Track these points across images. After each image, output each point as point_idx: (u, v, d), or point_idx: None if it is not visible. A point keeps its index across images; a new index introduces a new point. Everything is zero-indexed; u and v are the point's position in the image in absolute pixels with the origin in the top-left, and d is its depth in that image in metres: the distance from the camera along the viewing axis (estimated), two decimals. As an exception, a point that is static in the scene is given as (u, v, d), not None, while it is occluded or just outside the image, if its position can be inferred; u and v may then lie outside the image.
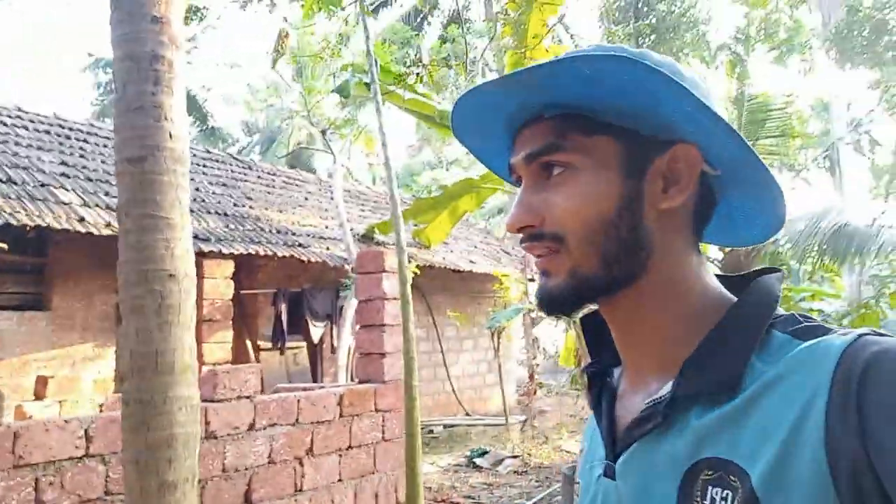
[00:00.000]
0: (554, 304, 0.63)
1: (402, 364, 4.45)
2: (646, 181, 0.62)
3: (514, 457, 6.87)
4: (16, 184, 5.45)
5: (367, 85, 6.60)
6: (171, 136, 2.26)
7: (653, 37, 8.56)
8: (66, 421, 3.07)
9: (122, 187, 2.26)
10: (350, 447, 4.34)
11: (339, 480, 4.24)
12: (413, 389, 4.01)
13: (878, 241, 6.04)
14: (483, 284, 10.07)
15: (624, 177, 0.62)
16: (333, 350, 7.87)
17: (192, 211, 6.77)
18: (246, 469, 3.73)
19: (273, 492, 3.84)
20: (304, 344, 7.53)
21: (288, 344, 7.19)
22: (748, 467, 0.53)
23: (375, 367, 4.70)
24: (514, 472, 6.43)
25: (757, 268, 0.67)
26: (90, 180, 6.20)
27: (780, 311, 0.62)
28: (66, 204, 5.49)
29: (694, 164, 0.63)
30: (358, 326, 4.94)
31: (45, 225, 5.05)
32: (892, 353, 0.51)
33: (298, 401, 4.06)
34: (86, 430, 3.11)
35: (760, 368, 0.57)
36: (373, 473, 4.48)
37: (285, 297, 7.13)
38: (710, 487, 0.55)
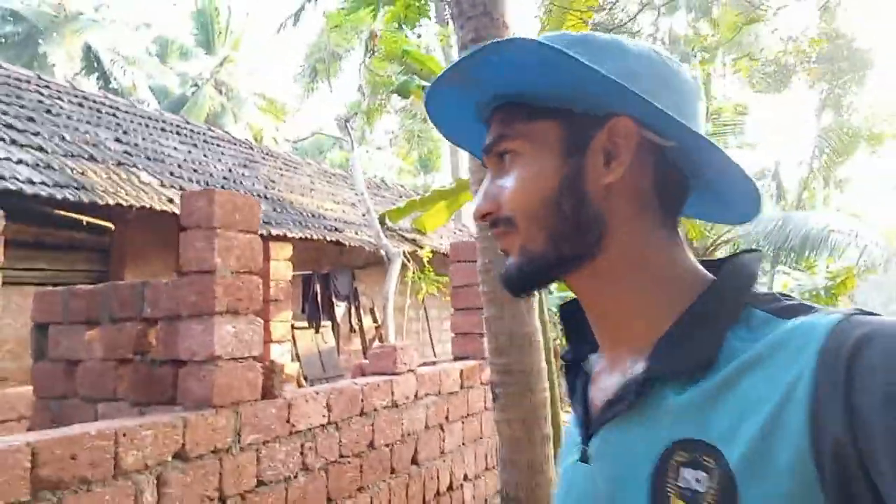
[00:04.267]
0: (512, 282, 0.66)
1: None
2: (587, 158, 0.63)
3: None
4: (98, 162, 5.43)
5: (423, 88, 7.04)
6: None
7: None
8: (316, 392, 3.44)
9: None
10: (468, 415, 4.92)
11: (463, 444, 4.81)
12: (553, 372, 4.65)
13: (830, 243, 7.43)
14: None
15: (564, 156, 0.63)
16: (352, 329, 8.26)
17: (236, 191, 6.90)
18: (413, 434, 4.21)
19: (429, 454, 4.35)
20: (329, 323, 7.86)
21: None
22: (724, 448, 0.52)
23: (475, 346, 5.28)
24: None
25: (739, 251, 0.66)
26: (150, 159, 6.20)
27: (762, 289, 0.61)
28: (145, 184, 5.55)
29: (629, 136, 0.62)
30: (453, 310, 5.48)
31: (148, 206, 5.13)
32: (881, 334, 0.49)
33: (439, 374, 4.58)
34: (327, 401, 3.50)
35: (739, 347, 0.56)
36: (480, 438, 5.08)
37: (319, 279, 7.44)
38: (683, 469, 0.54)
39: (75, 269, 5.65)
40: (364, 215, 8.07)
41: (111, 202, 4.79)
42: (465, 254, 5.39)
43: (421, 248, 8.07)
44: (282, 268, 6.46)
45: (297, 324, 7.55)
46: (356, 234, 7.68)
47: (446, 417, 4.60)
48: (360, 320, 8.29)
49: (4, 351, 5.08)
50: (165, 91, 23.16)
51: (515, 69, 0.62)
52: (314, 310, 7.36)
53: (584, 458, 0.64)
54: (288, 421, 3.23)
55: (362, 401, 3.77)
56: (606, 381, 0.66)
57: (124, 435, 2.46)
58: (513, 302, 2.68)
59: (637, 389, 0.59)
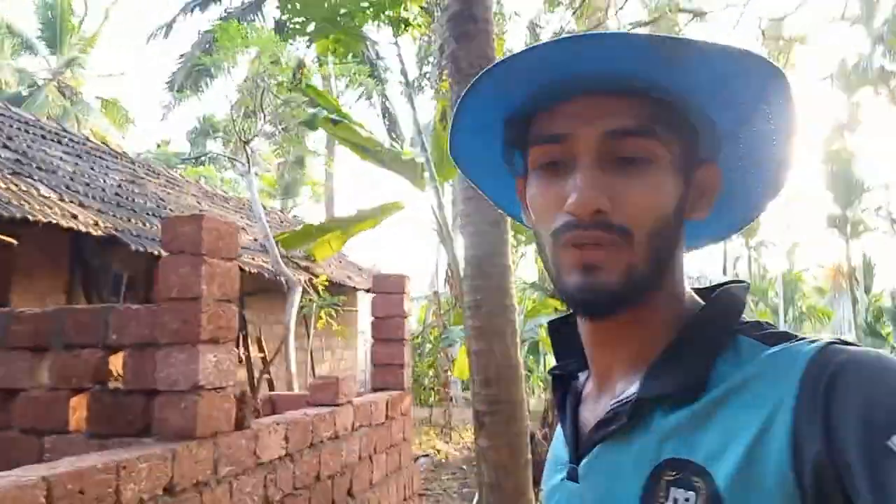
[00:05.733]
0: (605, 302, 0.60)
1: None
2: (690, 189, 0.63)
3: (426, 455, 7.82)
4: (-8, 171, 4.97)
5: (333, 122, 7.11)
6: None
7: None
8: (277, 423, 3.41)
9: (480, 241, 2.99)
10: (391, 446, 5.01)
11: (387, 475, 4.89)
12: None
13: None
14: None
15: (681, 179, 0.62)
16: (239, 359, 7.98)
17: (134, 211, 6.59)
18: (349, 465, 4.25)
19: (361, 486, 4.40)
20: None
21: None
22: (711, 468, 0.54)
23: (395, 376, 5.39)
24: (430, 469, 7.41)
25: (723, 281, 0.68)
26: (41, 170, 5.74)
27: (746, 318, 0.63)
28: (45, 197, 5.15)
29: (717, 186, 0.65)
30: (372, 340, 5.56)
31: (55, 223, 4.79)
32: (859, 361, 0.52)
33: (370, 405, 4.66)
34: (285, 432, 3.48)
35: (727, 372, 0.58)
36: (399, 469, 5.18)
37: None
38: (672, 488, 0.56)
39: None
40: (256, 240, 7.90)
41: (18, 216, 4.42)
42: (388, 286, 5.52)
43: (316, 276, 8.05)
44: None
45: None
46: (252, 259, 7.50)
47: (374, 449, 4.68)
48: (247, 350, 8.04)
49: None
50: (-2, 87, 20.86)
51: (719, 80, 0.58)
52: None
53: (572, 477, 0.65)
54: (254, 453, 3.19)
55: (311, 432, 3.78)
56: (597, 403, 0.67)
57: (124, 468, 2.36)
58: (502, 339, 2.91)
59: (630, 411, 0.60)
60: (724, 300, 0.64)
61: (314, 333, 10.23)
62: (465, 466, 7.69)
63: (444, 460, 7.89)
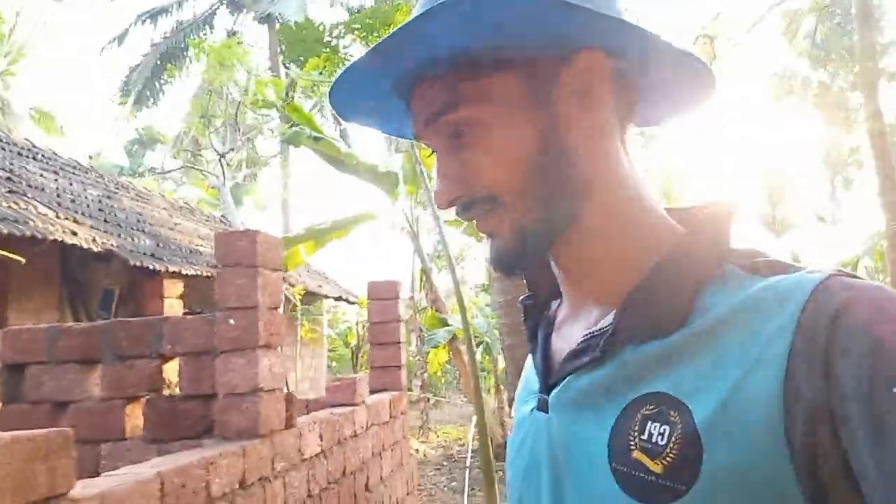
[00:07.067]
0: (509, 265, 0.61)
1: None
2: (558, 105, 0.57)
3: (408, 455, 8.07)
4: (-9, 189, 4.98)
5: (316, 139, 7.31)
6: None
7: None
8: (314, 422, 3.63)
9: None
10: (394, 443, 5.27)
11: (393, 470, 5.14)
12: (481, 393, 5.19)
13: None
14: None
15: (534, 109, 0.57)
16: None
17: (120, 226, 6.65)
18: (365, 462, 4.49)
19: (374, 480, 4.64)
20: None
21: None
22: (690, 403, 0.50)
23: (393, 378, 5.65)
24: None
25: (706, 202, 0.61)
26: (31, 187, 5.74)
27: (736, 245, 0.57)
28: (43, 215, 5.20)
29: (602, 70, 0.57)
30: (369, 344, 5.79)
31: (59, 240, 4.86)
32: (867, 296, 0.47)
33: (379, 405, 4.91)
34: (320, 431, 3.70)
35: (713, 303, 0.53)
36: (401, 465, 5.43)
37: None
38: (649, 422, 0.52)
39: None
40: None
41: (28, 234, 4.49)
42: (383, 292, 5.76)
43: (292, 285, 8.19)
44: (175, 305, 6.27)
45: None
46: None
47: (382, 446, 4.92)
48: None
49: None
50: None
51: (473, 22, 0.53)
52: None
53: (542, 407, 0.62)
54: (299, 450, 3.41)
55: (338, 431, 4.00)
56: (570, 331, 0.64)
57: (212, 464, 2.56)
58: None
59: (606, 342, 0.56)
60: (710, 224, 0.59)
61: (287, 342, 10.34)
62: (445, 463, 7.96)
63: (423, 458, 8.14)
